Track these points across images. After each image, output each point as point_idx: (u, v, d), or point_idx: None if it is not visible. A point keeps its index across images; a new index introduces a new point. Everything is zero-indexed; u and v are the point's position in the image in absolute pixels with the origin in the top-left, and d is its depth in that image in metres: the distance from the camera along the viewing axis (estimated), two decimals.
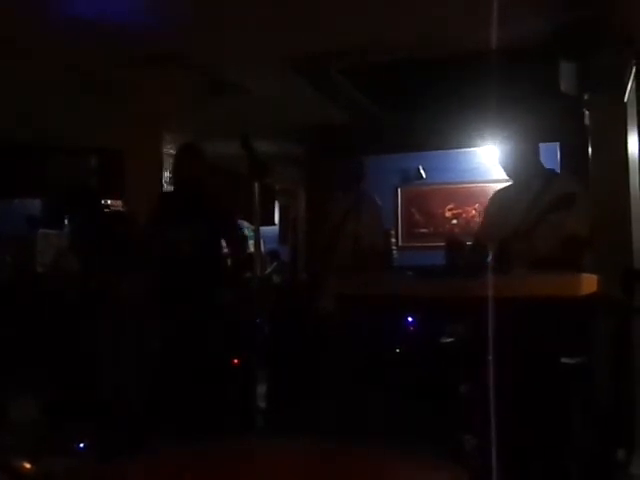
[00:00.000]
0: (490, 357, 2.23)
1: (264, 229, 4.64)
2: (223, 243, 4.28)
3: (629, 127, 4.20)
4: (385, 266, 4.36)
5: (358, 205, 4.35)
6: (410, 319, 3.92)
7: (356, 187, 4.49)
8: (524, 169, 3.32)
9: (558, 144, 5.87)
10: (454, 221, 7.14)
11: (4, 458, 2.33)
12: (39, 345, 4.07)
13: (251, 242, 5.25)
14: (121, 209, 5.13)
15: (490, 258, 2.72)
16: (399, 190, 7.34)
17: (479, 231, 3.60)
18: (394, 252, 6.56)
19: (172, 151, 6.56)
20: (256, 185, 3.23)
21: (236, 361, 4.11)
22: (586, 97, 4.17)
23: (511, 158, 3.34)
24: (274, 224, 9.40)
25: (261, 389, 3.82)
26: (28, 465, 2.25)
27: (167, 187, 6.23)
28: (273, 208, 9.34)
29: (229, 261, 4.30)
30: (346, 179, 4.53)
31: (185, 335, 3.87)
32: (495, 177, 5.61)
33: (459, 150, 6.74)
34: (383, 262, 4.43)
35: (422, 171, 7.15)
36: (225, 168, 6.79)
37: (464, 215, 7.04)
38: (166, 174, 6.47)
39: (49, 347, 3.99)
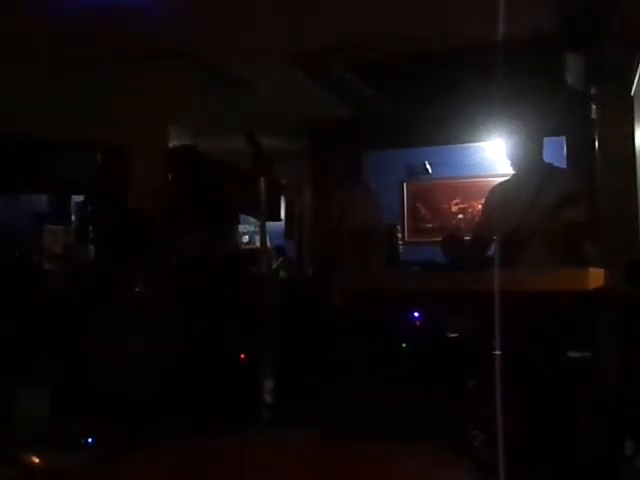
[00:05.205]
0: (496, 352, 2.22)
1: (270, 224, 4.64)
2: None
3: (636, 120, 4.18)
4: (388, 257, 4.36)
5: (353, 195, 4.38)
6: (416, 314, 3.92)
7: (353, 179, 4.52)
8: (527, 163, 3.34)
9: (564, 138, 5.85)
10: (460, 216, 7.13)
11: (13, 453, 2.34)
12: (45, 340, 4.08)
13: (257, 238, 5.25)
14: (134, 206, 5.13)
15: (492, 251, 2.72)
16: (405, 185, 7.33)
17: (479, 225, 3.61)
18: (400, 247, 6.55)
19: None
20: (262, 180, 3.23)
21: (243, 357, 4.12)
22: (593, 91, 4.15)
23: (516, 151, 3.36)
24: (280, 219, 9.39)
25: (268, 384, 3.82)
26: (36, 460, 2.25)
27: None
28: (279, 203, 9.33)
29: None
30: (343, 173, 4.58)
31: (192, 332, 3.87)
32: (501, 171, 5.60)
33: (465, 145, 6.73)
34: (383, 250, 4.43)
35: (428, 166, 7.13)
36: (230, 164, 6.79)
37: (470, 210, 7.03)
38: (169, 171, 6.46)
39: (55, 343, 4.01)
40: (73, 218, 7.07)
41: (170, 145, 6.14)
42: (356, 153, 4.76)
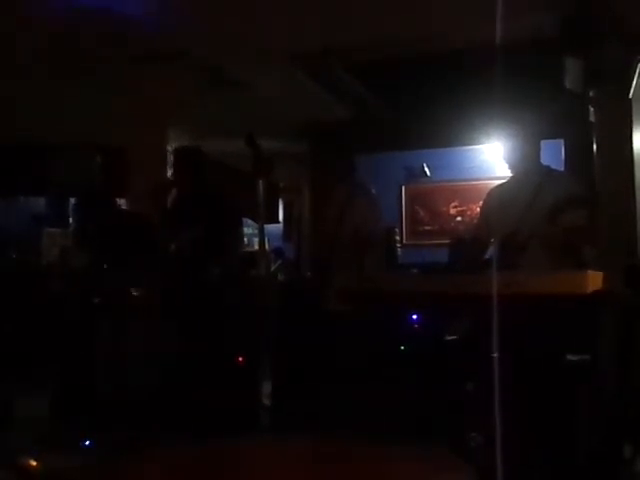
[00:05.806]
0: (495, 355, 2.22)
1: (268, 227, 4.64)
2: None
3: (634, 123, 4.18)
4: (387, 260, 4.37)
5: (352, 196, 4.39)
6: (414, 316, 3.92)
7: (350, 180, 4.53)
8: (525, 165, 3.36)
9: (562, 141, 5.86)
10: (459, 218, 7.13)
11: (10, 456, 2.34)
12: (44, 341, 4.08)
13: (256, 240, 5.26)
14: (134, 207, 5.13)
15: (490, 254, 2.72)
16: (403, 188, 7.33)
17: (477, 227, 3.62)
18: (398, 250, 6.54)
19: None
20: (260, 183, 3.23)
21: (242, 359, 4.11)
22: (591, 93, 4.15)
23: (513, 154, 3.38)
24: (278, 222, 9.39)
25: (267, 386, 3.82)
26: (34, 463, 2.25)
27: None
28: (277, 206, 9.34)
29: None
30: (341, 173, 4.59)
31: (191, 333, 3.87)
32: (499, 174, 5.60)
33: (463, 147, 6.73)
34: (382, 252, 4.44)
35: (426, 169, 7.14)
36: (229, 166, 6.79)
37: (469, 212, 7.03)
38: (171, 172, 6.47)
39: (54, 343, 4.00)
40: (71, 220, 7.05)
41: (171, 146, 6.14)
42: (349, 152, 4.80)
